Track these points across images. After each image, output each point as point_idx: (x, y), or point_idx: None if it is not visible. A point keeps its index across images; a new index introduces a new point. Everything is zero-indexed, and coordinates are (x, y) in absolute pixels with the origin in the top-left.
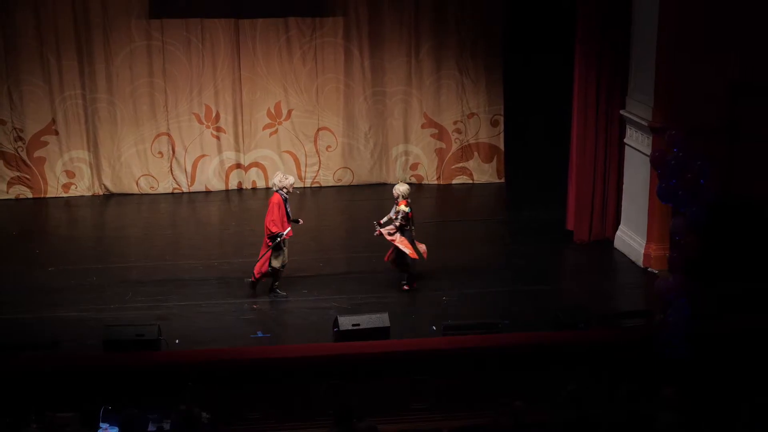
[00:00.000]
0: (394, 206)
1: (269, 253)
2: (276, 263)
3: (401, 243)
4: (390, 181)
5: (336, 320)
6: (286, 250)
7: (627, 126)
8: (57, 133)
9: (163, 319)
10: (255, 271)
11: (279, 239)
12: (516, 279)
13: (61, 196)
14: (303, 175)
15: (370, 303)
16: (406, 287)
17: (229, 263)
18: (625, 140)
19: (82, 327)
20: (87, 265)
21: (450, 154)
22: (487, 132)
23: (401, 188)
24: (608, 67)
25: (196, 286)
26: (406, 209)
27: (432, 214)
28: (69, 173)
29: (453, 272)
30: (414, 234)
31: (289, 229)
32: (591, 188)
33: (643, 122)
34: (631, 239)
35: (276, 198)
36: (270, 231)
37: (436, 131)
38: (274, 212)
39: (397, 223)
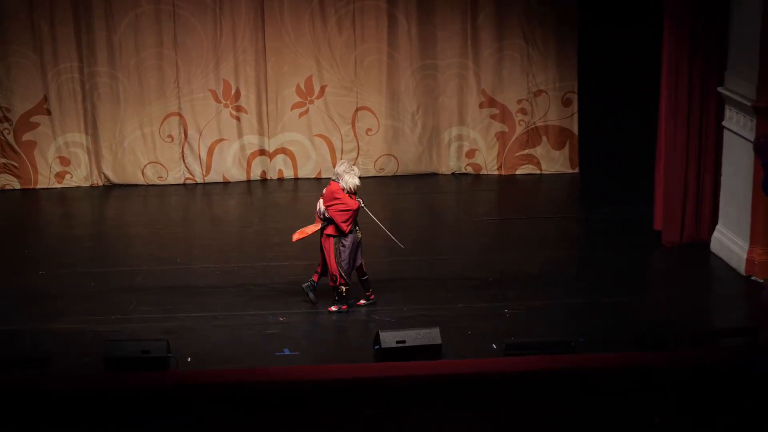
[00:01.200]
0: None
1: (332, 253)
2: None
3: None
4: (442, 170)
5: (377, 336)
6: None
7: (726, 106)
8: (49, 112)
9: (172, 333)
10: (331, 278)
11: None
12: (592, 289)
13: (54, 187)
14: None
15: (417, 316)
16: (333, 308)
17: (250, 268)
18: (724, 123)
19: (77, 341)
20: (84, 269)
21: (513, 139)
22: (557, 113)
23: (351, 181)
24: (703, 39)
25: (211, 294)
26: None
27: (491, 210)
28: (63, 160)
29: (517, 280)
30: (360, 236)
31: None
32: (683, 180)
33: (746, 101)
34: (731, 242)
35: (337, 187)
36: (339, 229)
37: (497, 112)
38: (346, 204)
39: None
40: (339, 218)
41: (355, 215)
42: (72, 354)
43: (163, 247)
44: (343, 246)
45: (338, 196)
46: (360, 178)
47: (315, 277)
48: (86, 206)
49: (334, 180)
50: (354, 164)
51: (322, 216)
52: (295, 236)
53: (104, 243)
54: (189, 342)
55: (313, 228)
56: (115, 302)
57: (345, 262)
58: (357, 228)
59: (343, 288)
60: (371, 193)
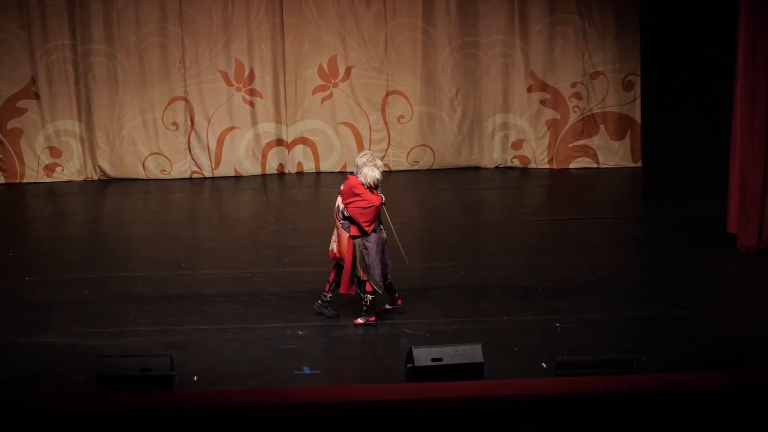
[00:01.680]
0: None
1: (350, 257)
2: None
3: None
4: (484, 164)
5: (410, 353)
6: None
7: None
8: (38, 97)
9: (176, 347)
10: (353, 285)
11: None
12: (656, 299)
13: (42, 181)
14: None
15: (456, 330)
16: (360, 321)
17: (265, 274)
18: None
19: (69, 357)
20: (77, 275)
21: (567, 128)
22: (617, 98)
23: (371, 175)
24: None
25: (220, 304)
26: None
27: (541, 209)
28: (53, 151)
29: (570, 288)
30: (385, 236)
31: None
32: (761, 177)
33: None
34: None
35: (356, 181)
36: (361, 229)
37: (548, 96)
38: (368, 200)
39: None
40: (361, 218)
41: (378, 212)
42: (63, 371)
43: (167, 250)
44: (366, 248)
45: (358, 191)
46: (392, 172)
47: (327, 288)
48: (79, 203)
49: (352, 173)
50: (383, 156)
51: (341, 215)
52: (334, 251)
53: (100, 245)
54: (195, 358)
55: (344, 236)
56: (112, 313)
57: (374, 266)
58: (381, 227)
59: (369, 297)
60: (402, 190)
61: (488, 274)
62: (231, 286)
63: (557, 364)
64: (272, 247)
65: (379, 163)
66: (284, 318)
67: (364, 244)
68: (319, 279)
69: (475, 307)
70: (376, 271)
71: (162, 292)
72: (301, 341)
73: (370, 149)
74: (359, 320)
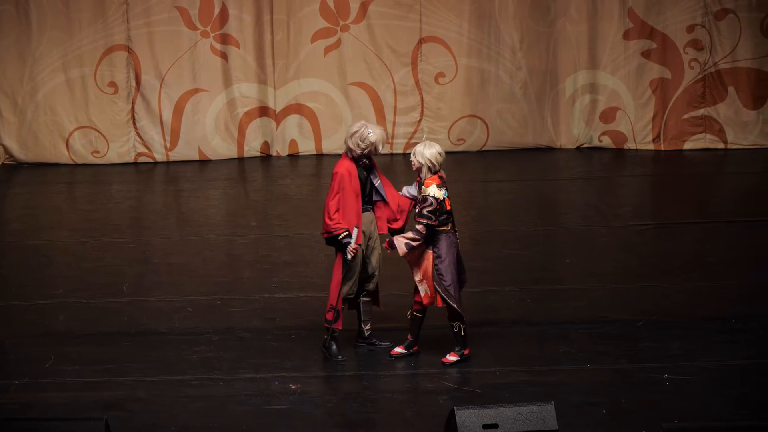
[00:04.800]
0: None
1: (339, 270)
2: (344, 288)
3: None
4: (561, 143)
5: (452, 416)
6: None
7: None
8: None
9: (114, 407)
10: (328, 307)
11: (346, 243)
12: None
13: None
14: (390, 129)
15: (519, 383)
16: (452, 358)
17: (244, 302)
18: None
19: None
20: None
21: (680, 91)
22: (753, 48)
23: (429, 152)
24: None
25: (179, 345)
26: (440, 193)
27: (644, 209)
28: None
29: (686, 324)
30: (457, 239)
31: (356, 232)
32: None
33: None
34: None
35: (343, 166)
36: (325, 228)
37: (654, 46)
38: (333, 191)
39: (423, 223)
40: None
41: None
42: None
43: (101, 268)
44: (440, 257)
45: (334, 182)
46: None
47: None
48: None
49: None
50: (414, 132)
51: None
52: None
53: (3, 259)
54: (141, 423)
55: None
56: (22, 357)
57: (450, 282)
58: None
59: (461, 326)
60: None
61: (566, 303)
62: (194, 319)
63: (665, 431)
64: (254, 264)
65: (373, 134)
66: (271, 365)
67: (435, 252)
68: (319, 308)
69: (546, 350)
70: (454, 291)
71: (94, 328)
72: (295, 399)
73: (393, 122)
74: (450, 358)
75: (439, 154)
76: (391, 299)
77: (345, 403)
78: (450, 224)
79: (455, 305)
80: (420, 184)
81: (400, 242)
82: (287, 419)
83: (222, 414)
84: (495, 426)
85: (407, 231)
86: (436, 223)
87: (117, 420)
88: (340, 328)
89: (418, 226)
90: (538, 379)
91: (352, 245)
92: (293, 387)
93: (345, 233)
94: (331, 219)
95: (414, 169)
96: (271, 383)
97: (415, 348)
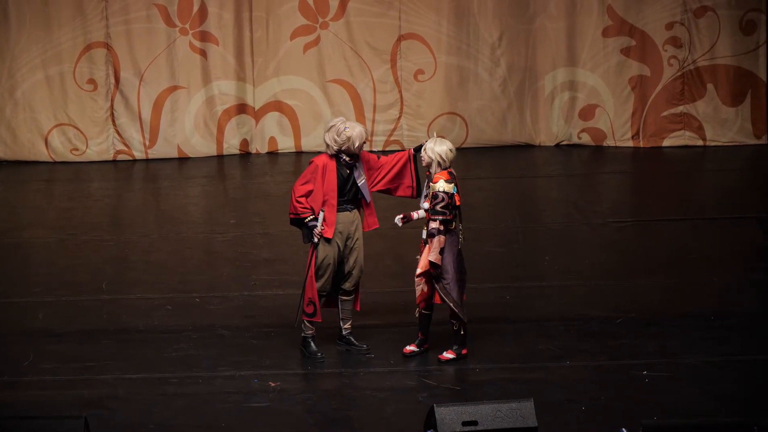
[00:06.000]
0: (426, 183)
1: (312, 263)
2: (317, 283)
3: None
4: (540, 140)
5: (431, 414)
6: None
7: None
8: None
9: (94, 405)
10: (306, 300)
11: (311, 230)
12: None
13: None
14: (369, 127)
15: (498, 380)
16: (448, 355)
17: (223, 298)
18: None
19: None
20: None
21: (659, 88)
22: (732, 45)
23: (439, 148)
24: None
25: (158, 342)
26: (449, 187)
27: (622, 206)
28: None
29: (664, 321)
30: (462, 239)
31: (322, 216)
32: None
33: None
34: None
35: (321, 159)
36: (291, 209)
37: (633, 43)
38: (304, 176)
39: (438, 220)
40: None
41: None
42: None
43: (80, 266)
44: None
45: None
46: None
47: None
48: None
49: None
50: (393, 129)
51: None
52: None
53: None
54: (121, 422)
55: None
56: (1, 355)
57: (448, 280)
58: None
59: (461, 325)
60: (421, 177)
61: (545, 300)
62: (173, 316)
63: (644, 430)
64: (233, 262)
65: (353, 130)
66: (250, 363)
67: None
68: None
69: (525, 347)
70: (455, 293)
71: (73, 326)
72: (274, 396)
73: (373, 119)
74: (447, 355)
75: (450, 150)
76: (390, 298)
77: (324, 400)
78: (454, 223)
79: (452, 303)
80: (429, 180)
81: (433, 257)
82: (267, 417)
83: (202, 412)
84: (474, 423)
85: (423, 234)
86: (451, 216)
87: (96, 418)
88: (319, 320)
89: (434, 224)
90: (518, 376)
91: (318, 227)
92: (272, 384)
93: (311, 217)
94: (298, 201)
95: (424, 164)
96: (250, 381)
97: (426, 346)
